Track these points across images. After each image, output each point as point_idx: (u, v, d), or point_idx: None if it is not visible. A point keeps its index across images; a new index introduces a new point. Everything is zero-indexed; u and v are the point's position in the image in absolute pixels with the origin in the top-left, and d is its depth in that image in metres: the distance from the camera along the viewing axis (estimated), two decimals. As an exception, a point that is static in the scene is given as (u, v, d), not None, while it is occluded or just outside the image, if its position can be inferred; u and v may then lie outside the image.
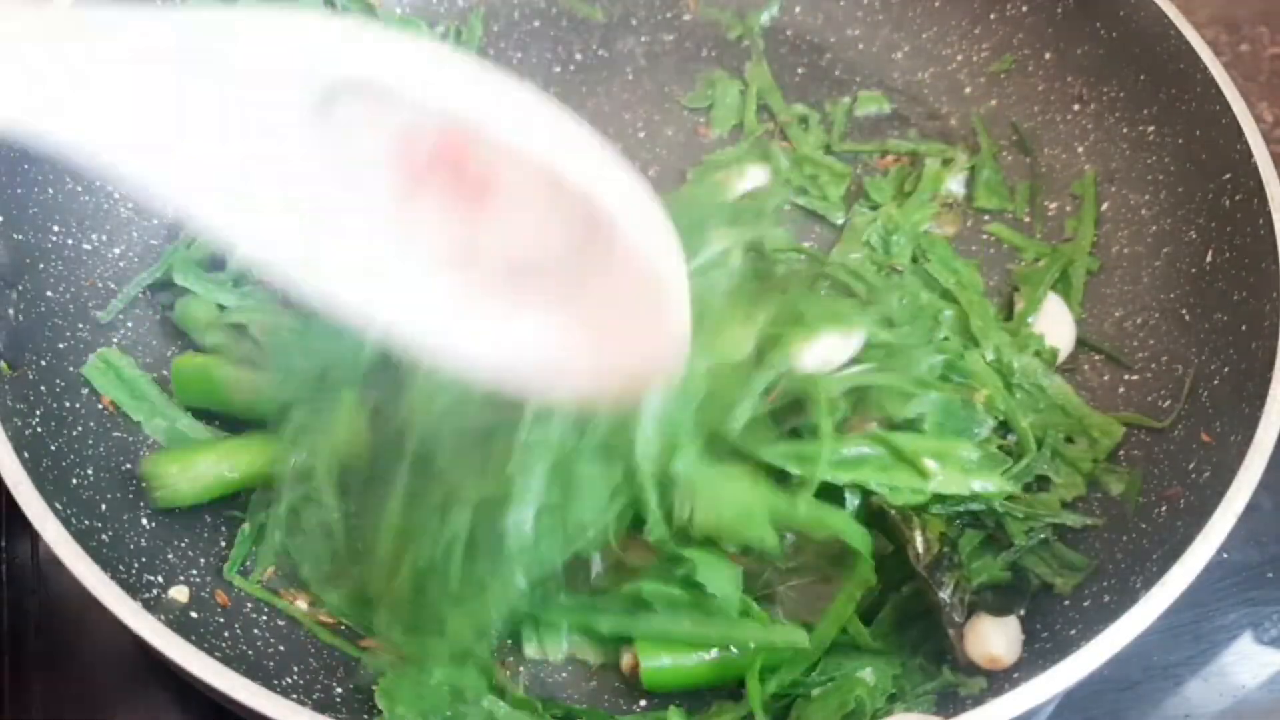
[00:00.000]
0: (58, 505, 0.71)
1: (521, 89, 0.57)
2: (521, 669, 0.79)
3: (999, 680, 0.74)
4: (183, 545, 0.81)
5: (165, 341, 0.91)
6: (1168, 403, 0.87)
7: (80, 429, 0.82)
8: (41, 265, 0.86)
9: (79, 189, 0.91)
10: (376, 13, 1.07)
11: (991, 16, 1.07)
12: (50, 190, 0.88)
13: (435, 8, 1.11)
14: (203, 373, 0.86)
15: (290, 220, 0.61)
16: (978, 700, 0.67)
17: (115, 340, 0.89)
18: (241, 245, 0.60)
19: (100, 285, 0.90)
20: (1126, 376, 0.91)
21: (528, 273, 0.63)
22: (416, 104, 0.57)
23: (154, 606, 0.68)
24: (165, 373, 0.88)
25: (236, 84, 0.56)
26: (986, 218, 1.01)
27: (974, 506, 0.81)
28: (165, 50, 0.55)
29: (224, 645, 0.75)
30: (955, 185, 1.02)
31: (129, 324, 0.90)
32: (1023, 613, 0.79)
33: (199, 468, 0.81)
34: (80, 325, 0.87)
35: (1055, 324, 0.93)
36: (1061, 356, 0.92)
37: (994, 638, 0.77)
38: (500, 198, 0.61)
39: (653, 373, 0.68)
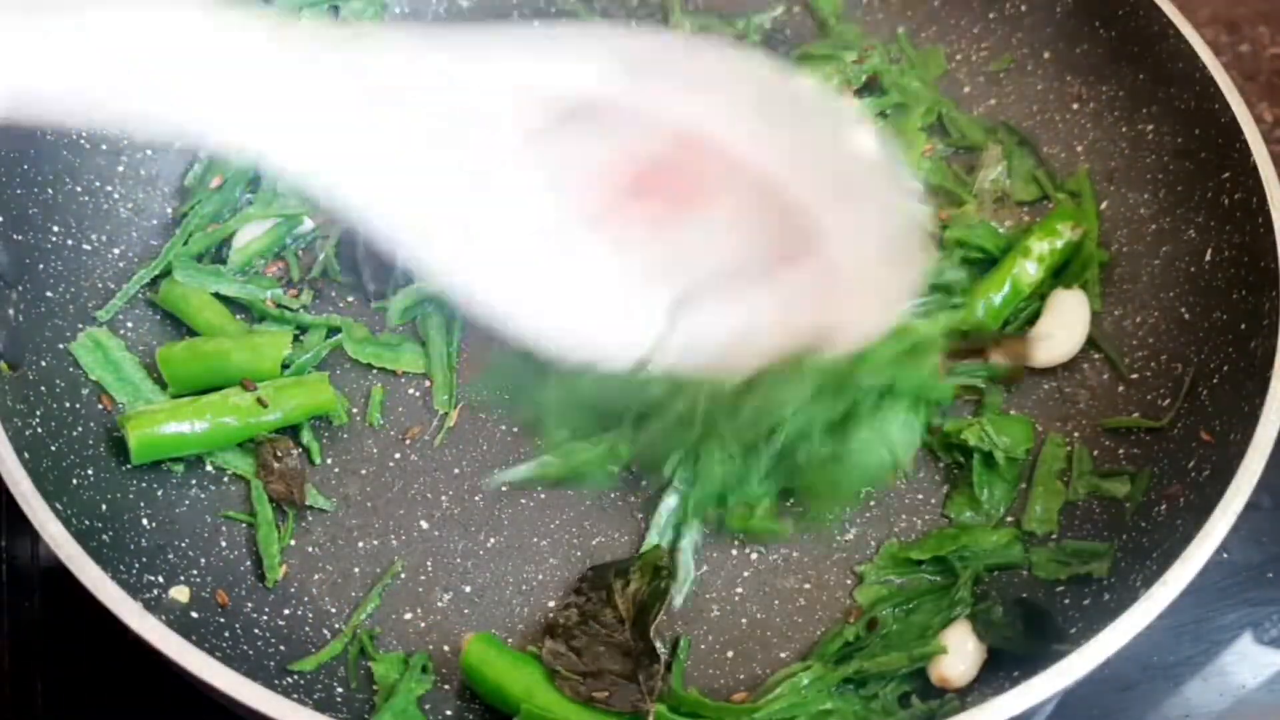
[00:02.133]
0: (58, 505, 0.71)
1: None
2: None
3: (999, 679, 0.74)
4: (183, 545, 0.82)
5: (165, 341, 0.90)
6: (1167, 401, 0.87)
7: (80, 429, 0.82)
8: (41, 265, 0.86)
9: (79, 189, 0.91)
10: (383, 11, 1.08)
11: (991, 16, 1.07)
12: (50, 190, 0.88)
13: (435, 7, 1.11)
14: (189, 351, 0.87)
15: (504, 245, 0.62)
16: (978, 700, 0.67)
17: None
18: (453, 277, 0.62)
19: (100, 285, 0.90)
20: (1126, 376, 0.91)
21: (728, 274, 0.65)
22: (653, 122, 0.58)
23: (154, 606, 0.68)
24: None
25: (471, 109, 0.57)
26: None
27: None
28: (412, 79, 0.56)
29: (224, 645, 0.75)
30: (1006, 179, 1.00)
31: (129, 324, 0.90)
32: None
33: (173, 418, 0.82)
34: (80, 325, 0.87)
35: (1071, 319, 0.92)
36: (1070, 353, 0.92)
37: (949, 658, 0.76)
38: (708, 207, 0.62)
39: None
